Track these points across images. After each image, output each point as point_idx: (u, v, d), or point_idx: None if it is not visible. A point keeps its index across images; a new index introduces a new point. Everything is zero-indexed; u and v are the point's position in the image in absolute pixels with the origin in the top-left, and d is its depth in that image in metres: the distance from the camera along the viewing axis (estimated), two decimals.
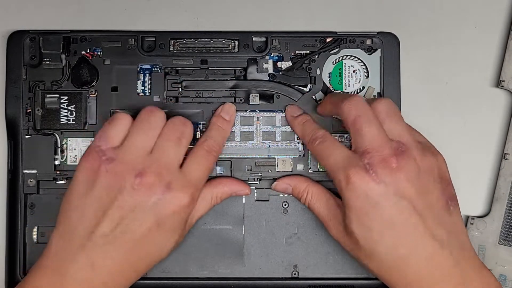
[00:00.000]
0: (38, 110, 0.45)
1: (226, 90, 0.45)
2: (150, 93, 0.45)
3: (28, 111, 0.45)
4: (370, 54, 0.45)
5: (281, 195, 0.45)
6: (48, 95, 0.45)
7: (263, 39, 0.45)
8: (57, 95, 0.45)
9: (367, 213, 0.38)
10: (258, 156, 0.45)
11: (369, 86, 0.45)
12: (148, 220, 0.39)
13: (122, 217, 0.38)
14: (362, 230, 0.39)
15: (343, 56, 0.45)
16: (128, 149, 0.40)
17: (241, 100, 0.45)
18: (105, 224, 0.38)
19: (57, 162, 0.45)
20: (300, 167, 0.45)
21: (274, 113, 0.45)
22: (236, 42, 0.45)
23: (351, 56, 0.45)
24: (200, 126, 0.45)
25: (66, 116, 0.45)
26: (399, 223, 0.38)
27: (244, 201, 0.45)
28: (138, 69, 0.45)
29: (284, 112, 0.45)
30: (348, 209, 0.39)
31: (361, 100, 0.40)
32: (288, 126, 0.45)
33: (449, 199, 0.39)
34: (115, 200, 0.38)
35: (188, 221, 0.42)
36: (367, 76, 0.45)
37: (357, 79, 0.45)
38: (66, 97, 0.45)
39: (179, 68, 0.45)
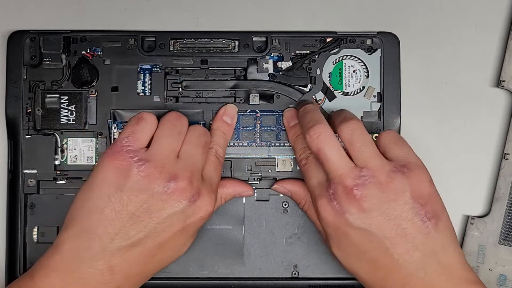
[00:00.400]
0: (38, 110, 0.45)
1: (226, 90, 0.45)
2: (150, 93, 0.45)
3: (28, 111, 0.45)
4: (370, 54, 0.45)
5: (281, 195, 0.45)
6: (48, 95, 0.45)
7: (263, 39, 0.45)
8: (57, 95, 0.45)
9: (341, 240, 0.39)
10: (258, 156, 0.45)
11: (369, 86, 0.45)
12: (176, 225, 0.38)
13: (149, 220, 0.37)
14: (341, 254, 0.40)
15: (343, 56, 0.45)
16: (157, 152, 0.39)
17: (241, 100, 0.45)
18: (130, 227, 0.37)
19: (57, 162, 0.45)
20: None
21: (274, 113, 0.45)
22: (236, 42, 0.45)
23: (351, 56, 0.45)
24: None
25: (66, 116, 0.45)
26: (370, 251, 0.38)
27: (244, 201, 0.45)
28: (138, 69, 0.45)
29: (282, 115, 0.45)
30: (326, 234, 0.40)
31: (322, 132, 0.39)
32: None
33: (426, 218, 0.37)
34: (144, 203, 0.37)
35: None
36: (367, 76, 0.45)
37: (357, 79, 0.45)
38: (66, 97, 0.45)
39: (179, 68, 0.45)
